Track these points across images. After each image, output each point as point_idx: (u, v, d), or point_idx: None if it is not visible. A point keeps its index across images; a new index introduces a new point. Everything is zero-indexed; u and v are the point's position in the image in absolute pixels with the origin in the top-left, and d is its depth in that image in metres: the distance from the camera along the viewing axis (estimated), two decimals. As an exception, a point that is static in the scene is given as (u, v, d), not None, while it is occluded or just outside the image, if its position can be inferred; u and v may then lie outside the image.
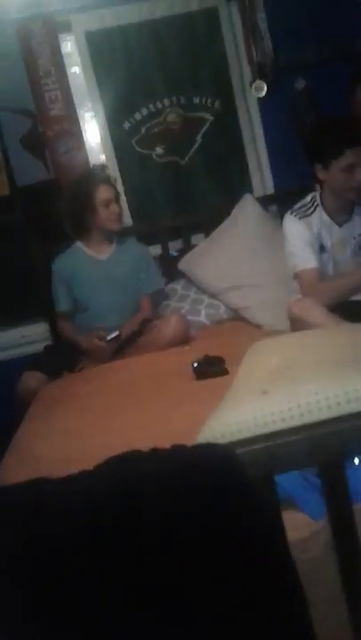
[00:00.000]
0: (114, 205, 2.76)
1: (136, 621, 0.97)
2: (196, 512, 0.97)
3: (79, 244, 2.85)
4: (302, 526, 1.14)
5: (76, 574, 0.95)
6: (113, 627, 0.97)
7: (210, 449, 1.03)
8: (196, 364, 2.12)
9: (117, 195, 2.81)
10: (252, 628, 0.99)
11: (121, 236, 2.91)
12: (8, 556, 0.96)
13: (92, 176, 2.85)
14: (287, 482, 1.15)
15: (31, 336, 3.11)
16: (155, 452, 1.03)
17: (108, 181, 2.80)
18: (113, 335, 2.56)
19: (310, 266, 2.32)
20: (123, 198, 3.15)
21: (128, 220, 3.23)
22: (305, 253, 2.33)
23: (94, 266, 2.80)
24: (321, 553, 1.11)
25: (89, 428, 1.86)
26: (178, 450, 1.03)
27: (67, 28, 3.07)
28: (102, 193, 2.74)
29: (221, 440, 1.21)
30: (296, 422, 1.18)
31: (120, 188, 2.99)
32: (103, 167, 2.98)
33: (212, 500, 0.97)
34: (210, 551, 0.97)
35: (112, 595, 0.97)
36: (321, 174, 2.31)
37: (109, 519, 0.96)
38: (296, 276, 2.35)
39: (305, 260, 2.32)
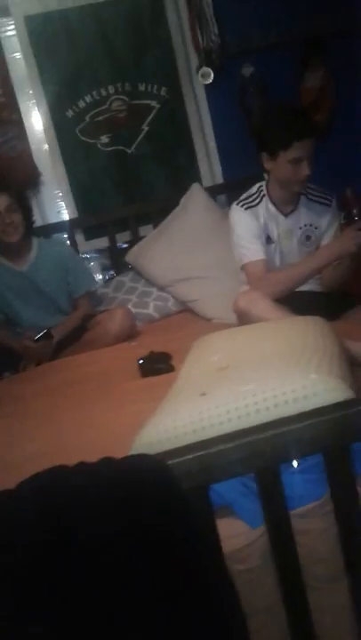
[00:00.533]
0: (6, 217, 2.51)
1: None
2: (125, 528, 0.91)
3: None
4: (240, 535, 1.10)
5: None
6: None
7: (140, 461, 0.98)
8: (141, 361, 2.06)
9: (12, 205, 2.54)
10: None
11: (43, 237, 2.80)
12: None
13: None
14: (225, 488, 1.11)
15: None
16: (82, 466, 0.97)
17: (3, 190, 2.55)
18: (41, 334, 2.48)
19: (257, 257, 2.28)
20: (65, 190, 3.05)
21: (73, 212, 3.14)
22: (252, 245, 2.29)
23: (14, 278, 2.63)
24: (259, 562, 1.08)
25: (29, 431, 1.78)
26: (106, 463, 0.97)
27: (5, 11, 2.94)
28: None
29: (158, 447, 1.16)
30: (234, 425, 1.15)
31: (58, 183, 2.84)
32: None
33: (142, 514, 0.92)
34: (139, 568, 0.92)
35: (35, 617, 0.91)
36: (268, 164, 2.27)
37: (33, 539, 0.89)
38: (243, 268, 2.31)
39: (252, 251, 2.28)
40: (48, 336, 2.48)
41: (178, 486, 0.94)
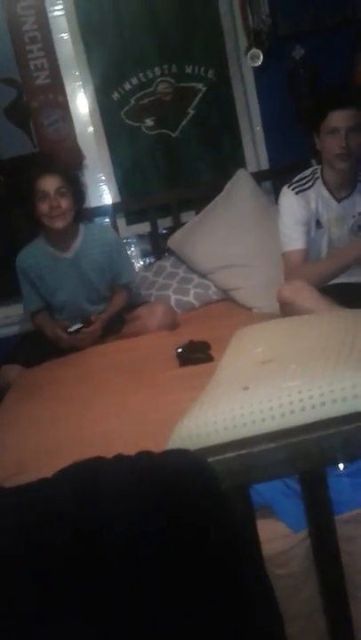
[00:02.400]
0: (54, 200, 2.37)
1: (100, 633, 0.90)
2: (163, 527, 0.88)
3: (41, 237, 2.57)
4: (281, 538, 1.06)
5: (27, 593, 0.86)
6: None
7: (179, 457, 0.94)
8: (180, 350, 2.03)
9: (63, 188, 2.40)
10: None
11: (90, 221, 2.72)
12: None
13: (35, 163, 2.58)
14: (265, 488, 1.06)
15: (16, 317, 3.01)
16: (119, 460, 0.94)
17: (52, 171, 2.42)
18: (76, 327, 2.42)
19: (297, 247, 2.21)
20: (108, 173, 3.03)
21: (116, 196, 3.11)
22: (294, 233, 2.22)
23: (58, 264, 2.53)
24: (300, 568, 1.03)
25: (65, 417, 1.77)
26: (144, 458, 0.94)
27: (54, -9, 2.91)
28: (40, 184, 2.39)
29: (197, 440, 1.12)
30: (277, 423, 1.10)
31: (102, 167, 2.79)
32: (49, 155, 2.72)
33: (181, 513, 0.89)
34: (177, 568, 0.89)
35: (72, 613, 0.89)
36: (317, 143, 2.20)
37: (67, 534, 0.87)
38: (283, 256, 2.25)
39: (292, 240, 2.22)
40: (84, 326, 2.44)
41: (218, 485, 0.90)
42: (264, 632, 0.93)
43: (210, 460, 0.92)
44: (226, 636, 0.91)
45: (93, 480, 0.93)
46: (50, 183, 2.41)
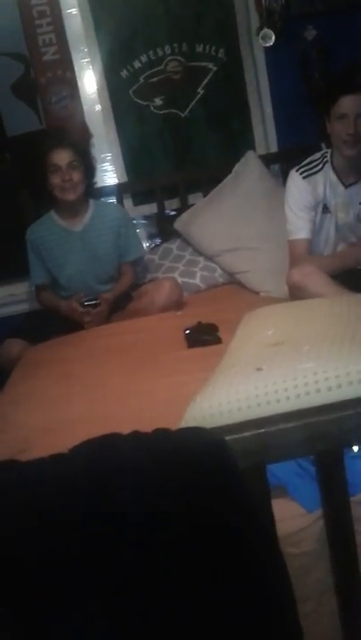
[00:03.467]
0: (66, 173, 2.44)
1: (111, 614, 0.90)
2: (179, 505, 0.88)
3: (52, 212, 2.63)
4: (295, 517, 1.06)
5: (40, 567, 0.86)
6: (88, 619, 0.90)
7: (196, 435, 0.94)
8: (187, 332, 2.02)
9: (75, 162, 2.47)
10: (235, 624, 0.92)
11: (101, 198, 2.75)
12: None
13: (47, 137, 2.63)
14: (279, 468, 1.06)
15: (20, 295, 3.00)
16: (135, 436, 0.94)
17: (64, 145, 2.48)
18: (92, 302, 2.45)
19: (302, 236, 2.21)
20: (115, 153, 3.00)
21: (123, 176, 3.08)
22: (299, 221, 2.21)
23: (67, 238, 2.58)
24: (314, 547, 1.03)
25: (72, 395, 1.77)
26: (161, 435, 0.94)
27: (64, -34, 2.86)
28: (52, 157, 2.46)
29: (210, 420, 1.12)
30: (292, 404, 1.09)
31: (109, 146, 2.77)
32: (61, 130, 2.75)
33: (197, 490, 0.89)
34: (192, 544, 0.89)
35: (83, 590, 0.89)
36: (328, 127, 2.18)
37: (81, 510, 0.87)
38: (288, 244, 2.24)
39: (298, 228, 2.21)
40: (97, 305, 2.46)
41: (235, 464, 0.90)
42: (277, 610, 0.93)
43: (227, 438, 0.92)
44: (239, 614, 0.91)
45: (109, 456, 0.92)
46: (62, 157, 2.46)
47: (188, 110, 3.07)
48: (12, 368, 2.19)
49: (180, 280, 2.72)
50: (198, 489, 0.89)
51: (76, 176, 2.48)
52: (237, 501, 0.88)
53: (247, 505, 0.89)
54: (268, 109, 3.11)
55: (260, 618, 0.92)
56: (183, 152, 3.10)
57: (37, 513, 0.89)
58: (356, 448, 1.04)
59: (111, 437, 0.94)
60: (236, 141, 3.10)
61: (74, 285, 2.58)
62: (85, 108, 2.99)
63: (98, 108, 3.03)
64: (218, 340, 1.94)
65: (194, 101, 3.07)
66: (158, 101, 3.05)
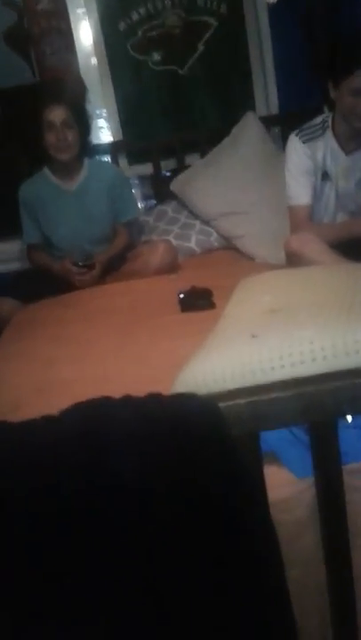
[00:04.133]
0: (60, 132, 2.37)
1: (102, 581, 0.90)
2: (171, 469, 0.87)
3: (46, 169, 2.55)
4: (286, 484, 1.06)
5: (29, 531, 0.85)
6: (79, 587, 0.90)
7: (190, 400, 0.93)
8: (182, 295, 1.99)
9: (71, 120, 2.39)
10: (223, 590, 0.93)
11: (94, 156, 2.67)
12: None
13: (41, 92, 2.57)
14: (271, 435, 1.06)
15: (12, 253, 2.94)
16: (127, 400, 0.92)
17: (60, 101, 2.39)
18: (86, 261, 2.42)
19: (302, 202, 2.16)
20: (111, 110, 2.92)
21: (118, 134, 3.00)
22: (299, 186, 2.16)
23: (61, 196, 2.51)
24: (304, 514, 1.04)
25: (63, 357, 1.75)
26: (154, 399, 0.92)
27: None
28: (47, 114, 2.37)
29: (203, 387, 1.10)
30: (287, 372, 1.07)
31: (105, 102, 2.68)
32: (57, 83, 2.67)
33: (189, 456, 0.87)
34: (183, 510, 0.88)
35: (77, 553, 0.88)
36: (333, 93, 2.11)
37: (72, 473, 0.86)
38: (288, 210, 2.20)
39: (298, 194, 2.16)
40: (91, 266, 2.43)
41: (228, 430, 0.89)
42: (265, 575, 0.94)
43: (220, 405, 0.90)
44: (229, 579, 0.92)
45: (101, 421, 0.91)
46: (56, 114, 2.38)
47: (187, 67, 2.98)
48: (2, 327, 2.16)
49: (174, 243, 2.68)
50: (190, 455, 0.88)
51: (72, 135, 2.41)
52: (230, 468, 0.88)
53: (239, 472, 0.88)
54: (270, 69, 3.03)
55: (250, 583, 0.93)
56: (181, 110, 3.02)
57: (27, 475, 0.88)
58: (349, 418, 1.03)
59: (103, 401, 0.93)
60: (236, 101, 3.02)
61: (67, 245, 2.53)
62: (81, 61, 2.89)
63: (94, 61, 2.93)
64: (212, 305, 1.92)
65: (193, 58, 2.98)
66: (156, 57, 2.95)
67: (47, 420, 0.93)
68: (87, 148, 2.56)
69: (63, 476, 0.87)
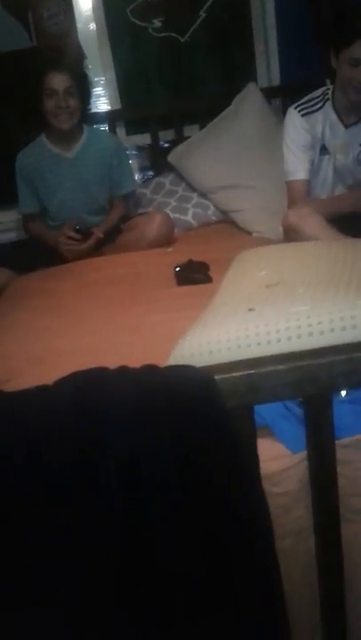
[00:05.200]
0: (62, 99, 2.32)
1: (97, 549, 0.90)
2: (165, 440, 0.87)
3: (43, 136, 2.51)
4: (279, 458, 1.06)
5: (26, 501, 0.86)
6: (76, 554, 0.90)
7: (185, 373, 0.92)
8: (178, 269, 1.98)
9: (72, 87, 2.34)
10: (212, 561, 0.93)
11: (92, 125, 2.63)
12: None
13: (41, 57, 2.51)
14: (265, 409, 1.06)
15: (7, 223, 2.91)
16: (123, 371, 0.92)
17: (62, 68, 2.34)
18: (83, 230, 2.39)
19: (300, 177, 2.14)
20: (109, 77, 2.86)
21: (116, 103, 2.95)
22: (297, 161, 2.14)
23: (59, 164, 2.47)
24: (296, 487, 1.04)
25: (58, 328, 1.74)
26: (149, 371, 0.92)
27: None
28: (48, 81, 2.32)
29: (199, 359, 1.10)
30: (283, 346, 1.07)
31: (103, 69, 2.62)
32: (57, 48, 2.62)
33: (184, 428, 0.87)
34: (175, 482, 0.89)
35: (72, 522, 0.89)
36: (333, 62, 2.07)
37: (67, 446, 0.86)
38: (286, 185, 2.18)
39: (296, 170, 2.15)
40: (88, 235, 2.40)
41: (223, 403, 0.89)
42: (255, 546, 0.95)
43: (216, 378, 0.90)
44: (218, 549, 0.92)
45: (96, 391, 0.90)
46: (58, 81, 2.34)
47: (188, 34, 2.92)
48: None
49: (171, 216, 2.66)
50: (185, 426, 0.88)
51: (73, 103, 2.36)
52: (224, 441, 0.88)
53: (234, 444, 0.88)
54: (273, 39, 2.97)
55: (241, 553, 0.94)
56: (181, 80, 2.97)
57: (24, 448, 0.88)
58: (344, 393, 1.03)
59: (98, 371, 0.92)
60: (238, 71, 2.97)
61: (63, 214, 2.50)
62: (79, 26, 2.82)
63: (92, 27, 2.86)
64: (208, 279, 1.91)
65: (195, 25, 2.91)
66: (157, 23, 2.88)
67: (41, 390, 0.92)
68: (86, 114, 2.52)
69: (55, 446, 0.87)
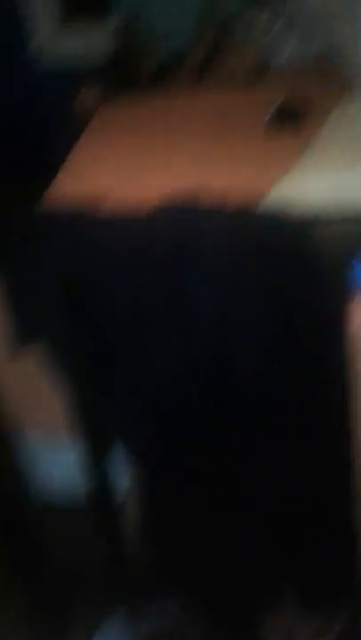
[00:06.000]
0: None
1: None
2: (251, 291, 0.87)
3: None
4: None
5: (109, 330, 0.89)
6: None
7: (284, 220, 0.90)
8: (272, 111, 1.84)
9: None
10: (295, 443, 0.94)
11: None
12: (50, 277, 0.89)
13: None
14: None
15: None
16: (222, 204, 0.89)
17: None
18: None
19: None
20: None
21: None
22: None
23: None
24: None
25: (144, 162, 1.71)
26: (248, 210, 0.89)
27: None
28: None
29: (296, 208, 1.06)
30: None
31: None
32: None
33: (273, 278, 0.87)
34: (264, 339, 0.89)
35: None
36: None
37: (161, 279, 0.87)
38: None
39: None
40: None
41: (318, 257, 0.88)
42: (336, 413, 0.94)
43: (315, 230, 0.88)
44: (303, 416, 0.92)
45: (189, 227, 0.90)
46: None
47: None
48: (87, 118, 2.10)
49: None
50: (275, 277, 0.88)
51: None
52: (316, 297, 0.87)
53: (326, 303, 0.87)
54: None
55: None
56: None
57: (111, 273, 0.90)
58: None
59: (193, 206, 0.91)
60: None
61: None
62: None
63: None
64: (303, 127, 1.77)
65: None
66: None
67: (136, 221, 0.93)
68: None
69: (147, 279, 0.89)
